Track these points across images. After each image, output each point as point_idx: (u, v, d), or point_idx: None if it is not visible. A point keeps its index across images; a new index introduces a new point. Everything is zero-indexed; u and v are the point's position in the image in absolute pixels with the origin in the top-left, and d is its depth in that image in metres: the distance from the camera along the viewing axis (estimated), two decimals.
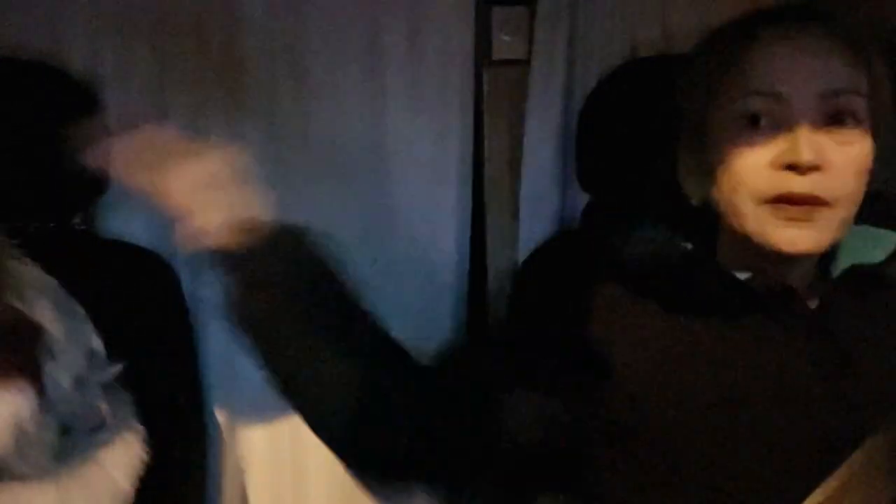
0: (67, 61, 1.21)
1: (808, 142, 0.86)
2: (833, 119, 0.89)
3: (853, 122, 0.89)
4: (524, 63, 1.32)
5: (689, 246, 0.97)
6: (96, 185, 1.20)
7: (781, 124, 0.88)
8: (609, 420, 0.91)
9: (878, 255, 0.96)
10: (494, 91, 1.34)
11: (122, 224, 1.25)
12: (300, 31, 1.26)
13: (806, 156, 0.86)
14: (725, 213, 0.93)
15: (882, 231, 0.98)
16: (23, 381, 0.86)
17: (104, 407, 0.93)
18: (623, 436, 0.91)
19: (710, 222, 0.97)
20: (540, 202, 1.31)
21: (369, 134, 1.29)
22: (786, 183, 0.87)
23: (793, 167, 0.87)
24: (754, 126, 0.89)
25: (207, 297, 1.25)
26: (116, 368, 0.96)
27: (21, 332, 0.89)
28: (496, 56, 1.32)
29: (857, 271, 0.94)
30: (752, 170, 0.89)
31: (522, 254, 1.29)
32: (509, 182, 1.34)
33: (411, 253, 1.30)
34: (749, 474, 0.86)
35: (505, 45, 1.32)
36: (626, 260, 0.97)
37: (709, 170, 0.94)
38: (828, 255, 0.96)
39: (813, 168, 0.86)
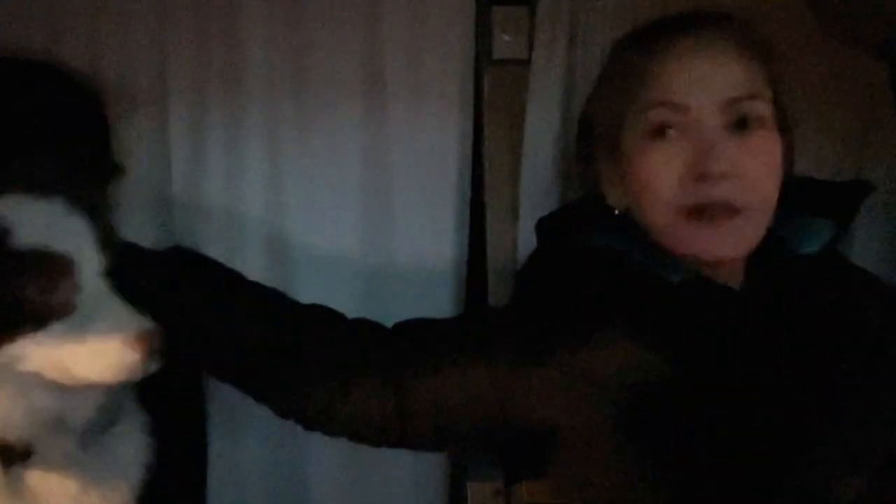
0: (67, 61, 1.21)
1: (719, 151, 0.88)
2: (737, 125, 0.90)
3: (758, 127, 0.91)
4: (524, 63, 1.32)
5: (632, 251, 0.98)
6: (97, 185, 1.20)
7: (689, 135, 0.90)
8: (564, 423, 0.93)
9: (814, 246, 0.97)
10: (494, 91, 1.34)
11: (123, 224, 1.25)
12: (300, 32, 1.26)
13: (719, 165, 0.87)
14: (644, 223, 0.95)
15: (818, 220, 0.99)
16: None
17: (121, 401, 0.93)
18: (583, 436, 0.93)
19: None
20: (540, 202, 1.31)
21: (369, 134, 1.29)
22: (699, 193, 0.89)
23: (704, 177, 0.88)
24: (662, 138, 0.91)
25: None
26: None
27: None
28: (496, 56, 1.32)
29: (793, 262, 0.95)
30: (665, 181, 0.90)
31: (522, 254, 1.29)
32: (509, 182, 1.34)
33: (411, 253, 1.30)
34: (705, 470, 0.88)
35: (505, 45, 1.32)
36: (572, 269, 0.99)
37: (625, 181, 0.96)
38: (766, 247, 0.96)
39: (724, 176, 0.88)
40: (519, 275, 1.11)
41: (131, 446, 0.93)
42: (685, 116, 0.90)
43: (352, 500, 1.30)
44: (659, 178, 0.91)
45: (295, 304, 1.02)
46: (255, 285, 1.02)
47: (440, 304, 1.30)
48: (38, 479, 0.85)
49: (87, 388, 0.84)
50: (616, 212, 0.99)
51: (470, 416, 0.96)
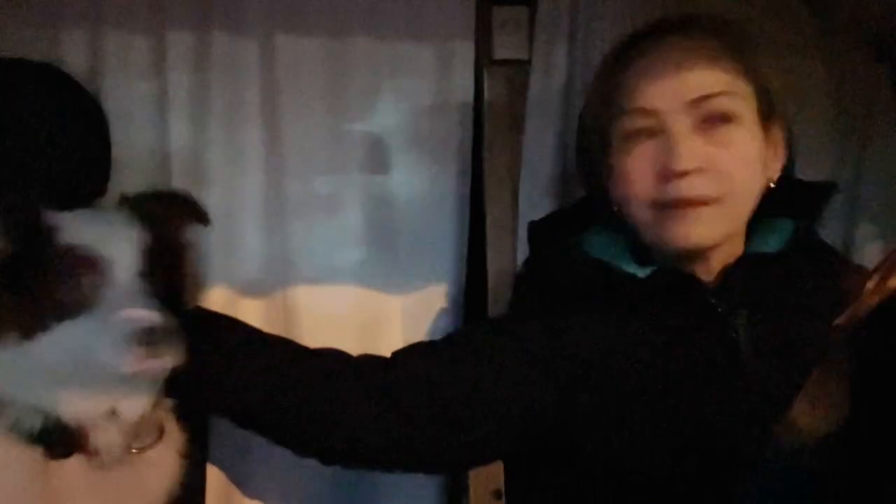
0: (67, 61, 1.21)
1: (683, 150, 0.93)
2: (708, 121, 0.95)
3: (728, 122, 0.95)
4: (524, 63, 1.32)
5: (608, 250, 1.03)
6: (96, 184, 1.20)
7: (661, 136, 0.95)
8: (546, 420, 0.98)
9: (775, 244, 1.00)
10: (494, 91, 1.34)
11: None
12: (300, 33, 1.26)
13: (682, 164, 0.93)
14: (629, 220, 1.00)
15: (778, 220, 1.02)
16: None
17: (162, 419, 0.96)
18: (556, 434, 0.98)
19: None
20: (540, 202, 1.31)
21: (369, 133, 1.29)
22: (670, 189, 0.94)
23: (671, 175, 0.94)
24: (636, 141, 0.97)
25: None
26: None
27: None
28: (496, 56, 1.32)
29: (753, 259, 0.99)
30: (640, 180, 0.96)
31: (522, 255, 1.29)
32: (509, 182, 1.34)
33: (411, 253, 1.30)
34: (681, 458, 0.93)
35: (505, 45, 1.32)
36: (556, 272, 1.04)
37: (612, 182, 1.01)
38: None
39: (688, 172, 0.93)
40: (516, 279, 1.14)
41: (164, 467, 0.95)
42: (654, 120, 0.95)
43: (352, 500, 1.30)
44: (634, 178, 0.97)
45: (303, 352, 1.05)
46: (266, 338, 1.05)
47: (440, 304, 1.30)
48: (72, 477, 0.88)
49: (140, 384, 0.88)
50: (615, 208, 1.03)
51: (470, 427, 1.00)
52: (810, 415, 0.88)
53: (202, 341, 0.97)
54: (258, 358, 1.01)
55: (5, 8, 1.20)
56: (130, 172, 1.25)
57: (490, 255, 1.34)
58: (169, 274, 0.92)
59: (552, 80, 1.31)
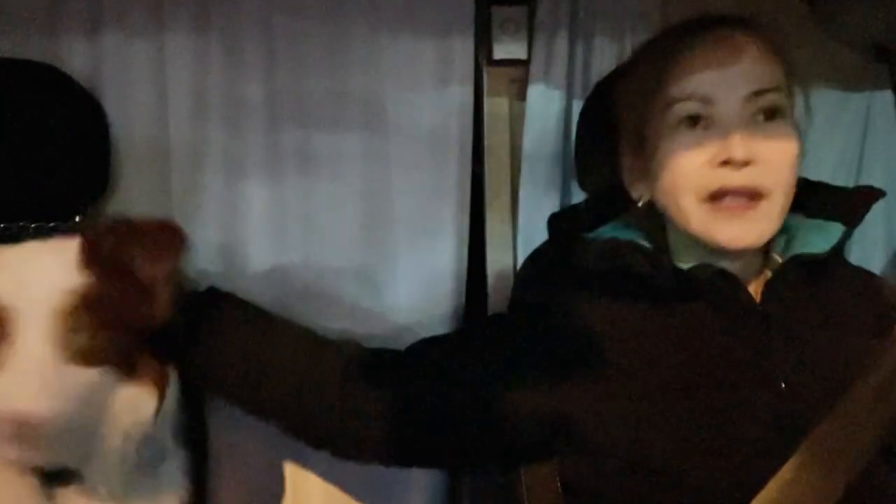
0: (67, 61, 1.21)
1: (739, 140, 0.93)
2: (759, 115, 0.95)
3: (778, 118, 0.96)
4: (524, 63, 1.32)
5: (643, 242, 1.02)
6: (96, 185, 1.21)
7: (713, 125, 0.95)
8: (568, 410, 0.97)
9: (823, 246, 1.00)
10: (494, 91, 1.34)
11: None
12: (299, 34, 1.26)
13: (739, 153, 0.93)
14: (669, 212, 0.99)
15: (829, 223, 1.03)
16: (156, 390, 0.89)
17: (171, 445, 0.96)
18: (578, 424, 0.96)
19: (658, 219, 1.03)
20: (540, 202, 1.31)
21: (369, 134, 1.29)
22: (723, 178, 0.94)
23: (727, 163, 0.93)
24: (688, 129, 0.96)
25: None
26: (184, 417, 0.99)
27: (167, 348, 0.92)
28: (496, 56, 1.32)
29: (801, 260, 0.99)
30: (690, 169, 0.96)
31: (522, 254, 1.29)
32: (509, 182, 1.34)
33: (411, 253, 1.30)
34: (700, 458, 0.92)
35: (505, 45, 1.32)
36: (582, 260, 1.03)
37: (650, 173, 1.00)
38: (776, 245, 1.02)
39: (746, 163, 0.93)
40: (521, 269, 1.13)
41: (170, 488, 0.95)
42: (710, 108, 0.95)
43: (352, 499, 1.30)
44: (683, 164, 0.96)
45: (318, 340, 1.06)
46: (280, 322, 1.06)
47: (440, 304, 1.30)
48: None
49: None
50: (640, 203, 1.03)
51: (479, 425, 1.00)
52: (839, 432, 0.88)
53: (215, 322, 1.00)
54: (272, 342, 1.01)
55: (5, 8, 1.20)
56: (130, 172, 1.25)
57: (490, 254, 1.34)
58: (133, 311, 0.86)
59: (552, 80, 1.31)
